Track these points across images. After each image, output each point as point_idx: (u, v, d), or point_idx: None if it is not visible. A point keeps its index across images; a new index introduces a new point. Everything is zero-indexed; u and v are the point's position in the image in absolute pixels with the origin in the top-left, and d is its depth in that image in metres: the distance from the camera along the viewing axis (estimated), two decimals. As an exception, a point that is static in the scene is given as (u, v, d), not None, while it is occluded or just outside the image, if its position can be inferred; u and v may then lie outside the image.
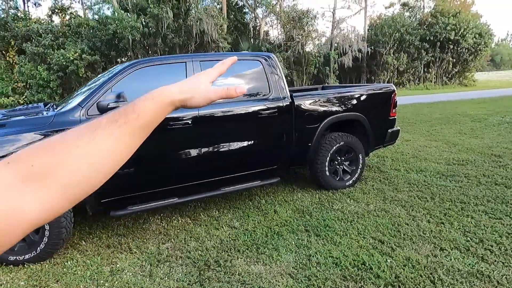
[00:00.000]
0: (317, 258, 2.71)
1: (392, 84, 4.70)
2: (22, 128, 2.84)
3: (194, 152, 3.35)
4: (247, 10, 22.53)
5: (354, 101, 4.26)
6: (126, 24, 15.41)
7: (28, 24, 18.62)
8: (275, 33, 24.33)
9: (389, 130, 4.57)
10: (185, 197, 3.39)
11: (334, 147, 4.12)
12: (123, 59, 18.80)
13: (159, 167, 3.31)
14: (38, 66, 16.89)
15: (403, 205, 3.68)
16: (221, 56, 3.82)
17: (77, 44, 17.45)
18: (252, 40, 21.80)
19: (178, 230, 3.39)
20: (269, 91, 3.76)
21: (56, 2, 22.47)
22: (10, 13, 21.93)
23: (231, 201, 4.06)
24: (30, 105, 3.92)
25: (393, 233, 3.04)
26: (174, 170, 3.39)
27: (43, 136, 2.81)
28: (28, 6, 24.62)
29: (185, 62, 3.42)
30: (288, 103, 3.80)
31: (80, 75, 17.10)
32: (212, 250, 2.96)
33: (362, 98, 4.33)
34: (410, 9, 29.21)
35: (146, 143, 0.53)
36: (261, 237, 3.13)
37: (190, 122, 3.28)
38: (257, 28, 22.99)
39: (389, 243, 2.86)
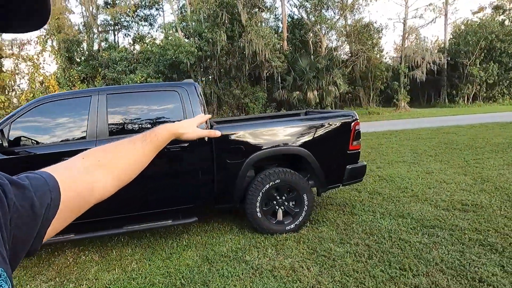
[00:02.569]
0: (150, 325, 2.31)
1: (353, 112, 3.96)
2: None
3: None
4: (308, 26, 22.13)
5: (293, 133, 3.68)
6: (182, 49, 16.49)
7: (110, 54, 21.32)
8: (337, 48, 23.31)
9: (349, 167, 3.82)
10: (81, 234, 3.29)
11: (267, 185, 3.60)
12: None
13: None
14: (112, 90, 19.09)
15: (323, 263, 2.98)
16: (130, 89, 3.68)
17: (146, 68, 19.28)
18: (312, 56, 21.26)
19: (75, 268, 3.29)
20: (184, 123, 3.47)
21: (137, 32, 25.40)
22: (102, 45, 25.52)
23: (153, 237, 3.83)
24: None
25: (266, 304, 2.45)
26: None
27: None
28: (118, 37, 28.35)
29: (91, 96, 3.38)
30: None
31: (146, 96, 18.77)
32: (75, 296, 2.78)
33: (305, 129, 3.71)
34: (505, 13, 25.22)
35: None
36: (131, 288, 2.83)
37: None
38: (318, 44, 22.37)
39: (245, 318, 2.30)
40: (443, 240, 3.29)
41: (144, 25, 27.67)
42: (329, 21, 20.79)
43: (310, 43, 21.49)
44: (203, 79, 19.34)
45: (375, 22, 20.46)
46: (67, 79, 22.10)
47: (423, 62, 21.92)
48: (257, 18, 17.75)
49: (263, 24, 20.44)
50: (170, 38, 17.38)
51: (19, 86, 24.53)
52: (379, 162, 7.08)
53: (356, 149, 3.86)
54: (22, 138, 3.24)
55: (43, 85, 23.72)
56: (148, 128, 3.06)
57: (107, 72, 19.40)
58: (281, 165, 3.93)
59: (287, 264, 3.01)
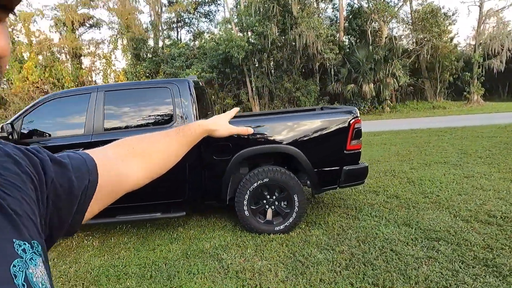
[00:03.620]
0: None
1: (354, 108, 3.63)
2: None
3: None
4: (367, 15, 20.86)
5: (283, 131, 3.52)
6: (233, 44, 16.74)
7: (170, 50, 22.56)
8: (399, 37, 21.60)
9: (346, 168, 3.55)
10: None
11: (255, 184, 3.51)
12: (238, 76, 20.45)
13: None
14: (170, 84, 20.21)
15: (294, 269, 2.82)
16: (125, 86, 3.84)
17: (201, 63, 20.03)
18: (370, 47, 20.05)
19: (74, 251, 3.59)
20: (173, 119, 3.55)
21: (197, 28, 26.47)
22: (166, 42, 27.10)
23: (151, 227, 4.00)
24: None
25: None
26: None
27: None
28: (180, 34, 29.86)
29: (90, 93, 3.62)
30: (193, 133, 3.49)
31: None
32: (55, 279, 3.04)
33: (295, 127, 3.52)
34: None
35: None
36: (100, 276, 2.99)
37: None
38: (378, 33, 20.97)
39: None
40: (441, 255, 2.90)
41: (205, 21, 28.74)
42: (391, 8, 19.35)
43: (369, 32, 20.26)
44: (255, 72, 19.45)
45: (443, 7, 18.40)
46: (134, 74, 23.95)
47: (502, 49, 19.28)
48: (309, 9, 17.23)
49: (317, 15, 19.81)
50: (222, 33, 17.77)
51: (95, 81, 27.36)
52: (415, 162, 6.45)
53: (356, 149, 3.56)
54: (33, 131, 3.60)
55: (114, 80, 26.10)
56: (141, 124, 3.14)
57: (166, 67, 20.57)
58: (278, 163, 3.81)
59: (257, 267, 2.92)
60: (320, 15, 21.24)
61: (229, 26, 19.99)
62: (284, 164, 3.82)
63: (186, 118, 3.53)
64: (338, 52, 18.42)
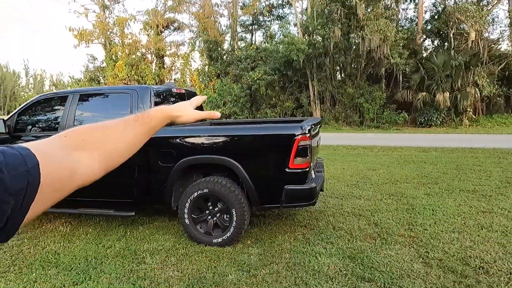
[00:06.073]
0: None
1: (305, 123, 3.32)
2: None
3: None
4: (451, 16, 18.59)
5: (224, 142, 3.42)
6: (293, 47, 16.58)
7: (239, 52, 23.34)
8: (488, 41, 18.73)
9: (287, 187, 3.30)
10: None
11: (195, 193, 3.50)
12: (300, 79, 20.18)
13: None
14: (234, 85, 20.94)
15: (191, 286, 2.75)
16: (96, 90, 4.12)
17: (265, 65, 20.32)
18: (452, 52, 17.90)
19: (47, 235, 4.04)
20: (129, 124, 3.73)
21: (268, 31, 26.87)
22: (239, 44, 28.09)
23: (118, 222, 4.26)
24: None
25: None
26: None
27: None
28: (255, 36, 30.60)
29: (67, 95, 4.03)
30: (142, 137, 3.63)
31: (262, 92, 19.88)
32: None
33: (236, 139, 3.39)
34: None
35: None
36: (37, 261, 3.31)
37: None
38: (464, 37, 18.55)
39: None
40: (355, 300, 2.53)
41: (278, 23, 28.93)
42: (478, 8, 16.99)
43: (451, 35, 18.11)
44: (317, 76, 18.97)
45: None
46: (206, 74, 25.40)
47: None
48: (376, 11, 16.12)
49: (387, 17, 18.40)
50: (284, 36, 17.74)
51: (174, 80, 29.79)
52: (438, 188, 5.63)
53: (301, 168, 3.29)
54: (24, 126, 4.16)
55: (190, 79, 28.05)
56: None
57: (231, 69, 21.35)
58: (231, 175, 3.74)
59: (163, 277, 2.93)
60: (396, 16, 19.73)
61: (291, 29, 19.86)
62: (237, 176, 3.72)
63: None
64: (408, 57, 16.87)
